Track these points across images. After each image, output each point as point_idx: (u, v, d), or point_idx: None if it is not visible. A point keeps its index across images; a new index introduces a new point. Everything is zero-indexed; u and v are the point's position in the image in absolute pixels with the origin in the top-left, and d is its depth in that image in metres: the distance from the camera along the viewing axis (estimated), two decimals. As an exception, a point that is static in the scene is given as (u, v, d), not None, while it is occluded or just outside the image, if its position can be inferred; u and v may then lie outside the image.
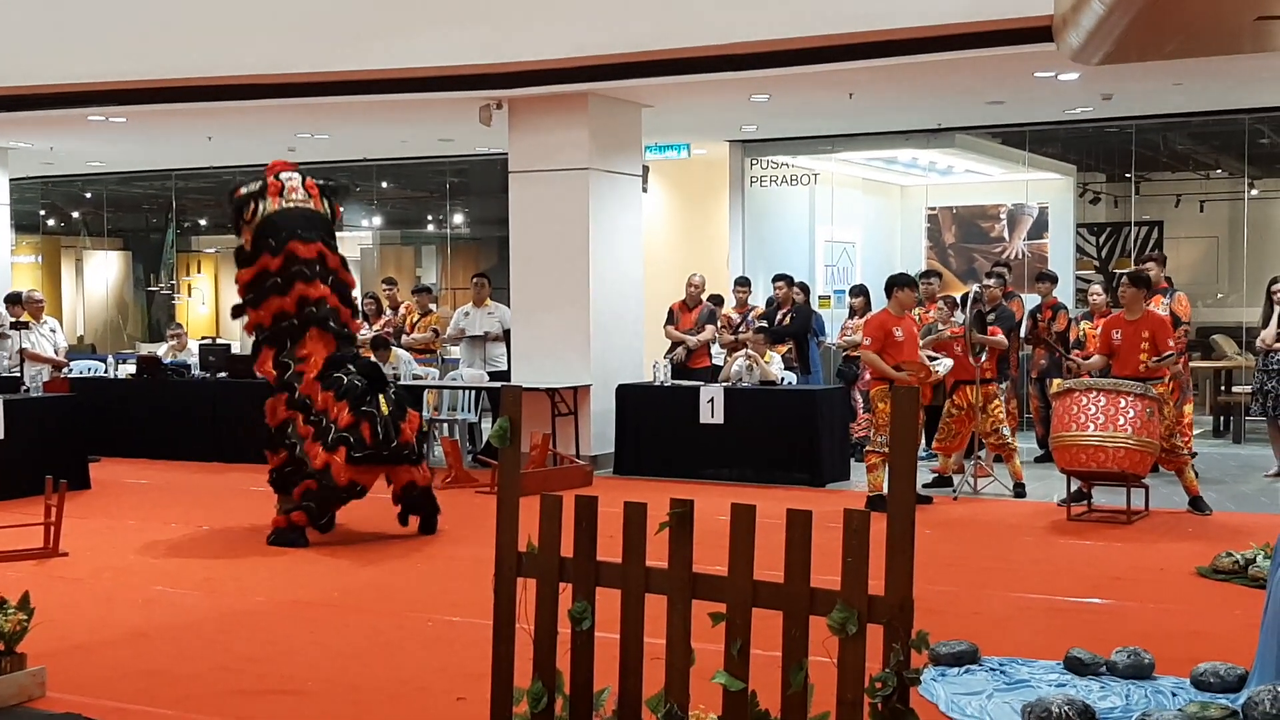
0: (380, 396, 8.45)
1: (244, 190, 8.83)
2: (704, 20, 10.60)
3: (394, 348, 12.87)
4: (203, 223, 23.96)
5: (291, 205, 8.80)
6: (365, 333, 13.36)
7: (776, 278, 13.37)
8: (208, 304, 24.14)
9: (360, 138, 15.63)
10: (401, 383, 11.34)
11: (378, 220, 22.57)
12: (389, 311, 14.01)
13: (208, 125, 14.23)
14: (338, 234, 9.19)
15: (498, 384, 11.91)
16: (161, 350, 14.76)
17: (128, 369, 14.07)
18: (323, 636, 6.22)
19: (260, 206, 8.75)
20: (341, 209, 9.48)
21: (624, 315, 12.34)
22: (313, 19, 11.70)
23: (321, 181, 9.13)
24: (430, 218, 21.76)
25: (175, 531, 9.08)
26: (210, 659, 5.76)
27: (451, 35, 11.28)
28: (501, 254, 14.08)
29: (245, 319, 8.95)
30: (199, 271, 23.68)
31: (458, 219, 20.72)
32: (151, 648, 5.98)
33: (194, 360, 13.94)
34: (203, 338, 17.49)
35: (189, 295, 22.85)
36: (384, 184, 20.74)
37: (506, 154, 12.38)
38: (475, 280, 13.28)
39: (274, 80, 11.89)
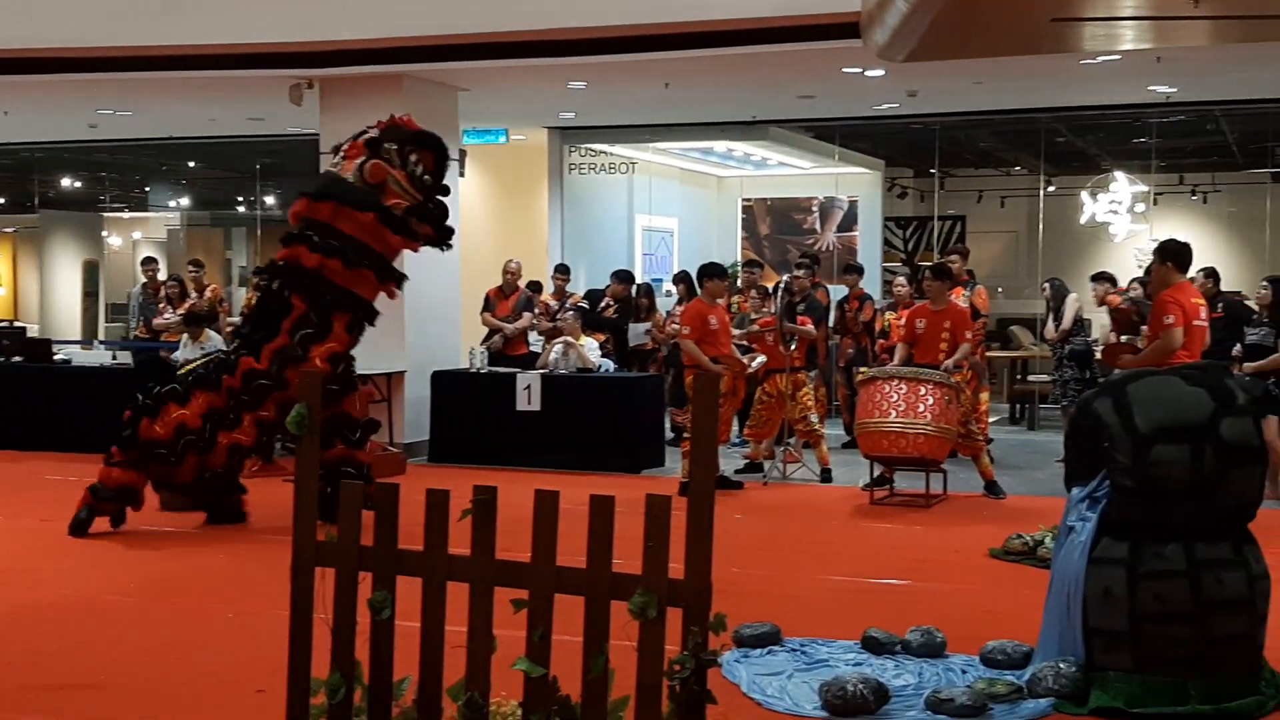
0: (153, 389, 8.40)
1: None
2: (521, 5, 10.54)
3: (207, 328, 12.46)
4: (0, 201, 22.94)
5: None
6: (170, 316, 13.00)
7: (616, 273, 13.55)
8: (4, 285, 23.12)
9: (166, 115, 15.15)
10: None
11: (185, 201, 21.92)
12: (194, 295, 13.57)
13: (4, 100, 13.63)
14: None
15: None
16: (-49, 334, 14.06)
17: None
18: (120, 630, 6.05)
19: None
20: None
21: (440, 301, 12.22)
22: (117, -9, 11.29)
23: None
24: (240, 198, 21.20)
25: (-37, 523, 8.71)
26: (1, 654, 5.55)
27: (262, 11, 10.98)
28: (315, 237, 13.74)
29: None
30: (-6, 251, 22.70)
31: (269, 200, 20.23)
32: (-66, 644, 5.73)
33: (-14, 344, 13.33)
34: (-3, 320, 16.75)
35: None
36: (191, 164, 20.15)
37: (319, 134, 12.14)
38: (286, 264, 12.96)
39: (75, 54, 11.41)
